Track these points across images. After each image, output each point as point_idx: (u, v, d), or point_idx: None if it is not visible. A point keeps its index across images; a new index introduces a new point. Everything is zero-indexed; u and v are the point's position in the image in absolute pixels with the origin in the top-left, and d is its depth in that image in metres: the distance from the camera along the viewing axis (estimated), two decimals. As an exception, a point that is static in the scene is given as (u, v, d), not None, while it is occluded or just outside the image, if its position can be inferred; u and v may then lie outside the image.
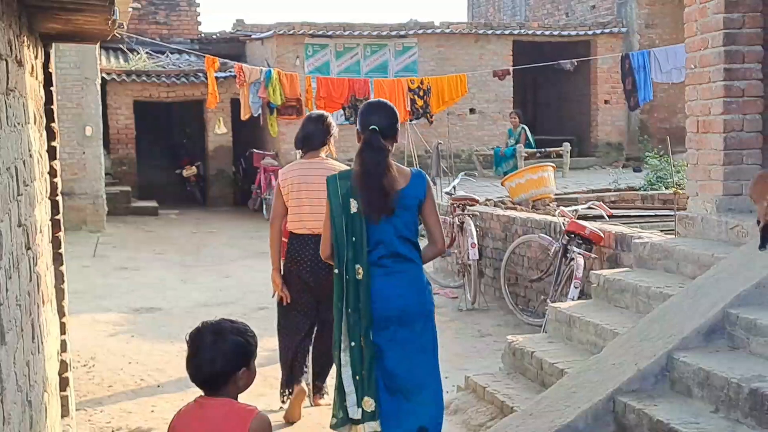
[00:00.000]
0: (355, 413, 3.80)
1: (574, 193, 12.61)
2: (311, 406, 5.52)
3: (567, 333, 5.53)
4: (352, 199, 3.87)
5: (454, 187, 9.75)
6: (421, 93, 13.75)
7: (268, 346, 7.20)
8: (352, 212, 3.87)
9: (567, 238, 7.07)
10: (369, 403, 3.80)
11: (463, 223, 8.82)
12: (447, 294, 9.01)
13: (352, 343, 3.81)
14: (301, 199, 5.24)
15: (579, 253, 6.84)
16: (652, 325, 4.62)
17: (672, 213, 7.94)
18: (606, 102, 18.78)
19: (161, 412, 5.53)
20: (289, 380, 5.35)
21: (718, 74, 5.57)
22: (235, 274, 10.78)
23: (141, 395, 6.05)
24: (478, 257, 8.40)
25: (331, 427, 3.93)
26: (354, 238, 3.83)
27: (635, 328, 4.72)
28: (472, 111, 17.93)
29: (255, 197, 16.66)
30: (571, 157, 16.71)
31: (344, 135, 16.85)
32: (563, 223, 7.26)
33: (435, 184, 7.45)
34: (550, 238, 7.51)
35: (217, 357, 2.53)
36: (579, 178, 15.61)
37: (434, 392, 3.91)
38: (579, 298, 6.55)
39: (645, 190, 12.58)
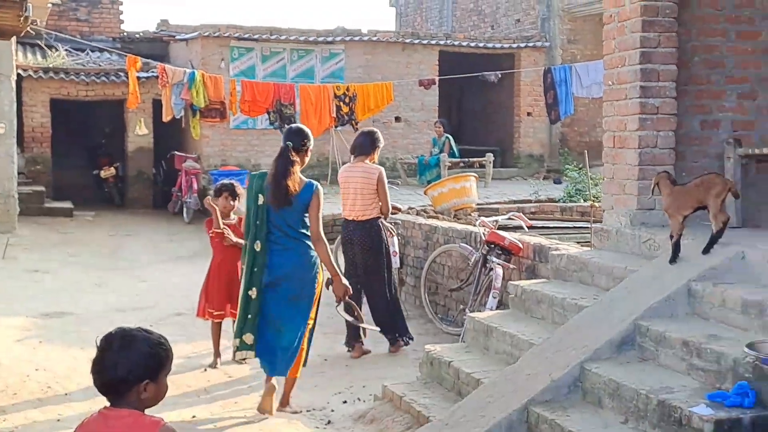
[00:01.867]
0: (234, 342, 5.48)
1: (496, 203, 12.75)
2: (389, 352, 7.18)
3: (484, 343, 5.57)
4: (260, 194, 5.46)
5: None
6: (347, 100, 13.75)
7: (183, 352, 7.08)
8: (259, 203, 5.46)
9: (487, 248, 7.13)
10: (249, 338, 5.42)
11: (384, 231, 8.83)
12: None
13: (245, 293, 5.42)
14: (348, 192, 7.18)
15: (498, 264, 6.91)
16: (566, 336, 4.70)
17: (589, 225, 8.10)
18: (528, 114, 19.09)
19: (67, 421, 5.36)
20: (347, 341, 7.21)
21: (634, 91, 5.71)
22: (151, 279, 10.61)
23: (47, 403, 5.85)
24: (399, 265, 8.43)
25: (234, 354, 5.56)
26: (258, 222, 5.45)
27: (550, 339, 4.78)
28: (397, 119, 18.01)
29: (175, 200, 16.40)
30: (493, 167, 16.91)
31: (269, 140, 16.89)
32: (483, 233, 7.32)
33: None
34: (471, 248, 7.57)
35: (120, 363, 2.46)
36: (501, 189, 15.82)
37: (295, 327, 5.43)
38: (497, 308, 6.61)
39: (564, 201, 12.81)
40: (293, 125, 5.76)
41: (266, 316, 5.42)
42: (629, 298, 4.73)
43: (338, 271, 5.66)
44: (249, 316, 5.41)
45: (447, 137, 16.16)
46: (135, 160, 17.60)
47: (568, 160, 16.63)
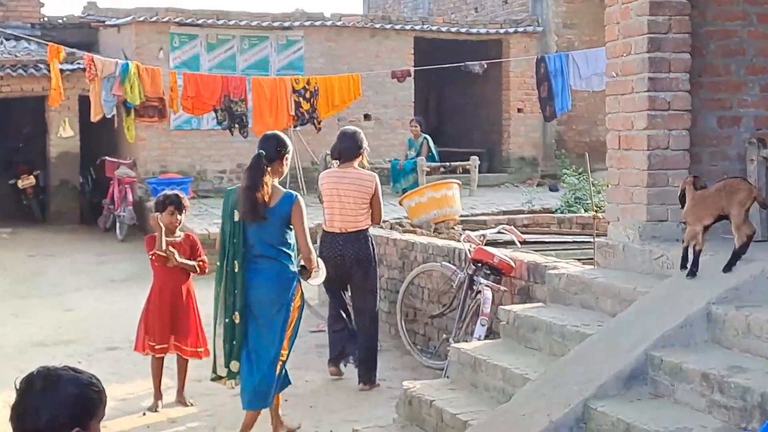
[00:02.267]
0: (222, 372, 5.87)
1: (483, 214, 12.79)
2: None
3: (472, 378, 5.57)
4: (235, 210, 5.79)
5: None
6: (308, 95, 13.75)
7: (118, 394, 7.02)
8: (235, 220, 5.78)
9: (473, 267, 7.14)
10: (236, 366, 5.81)
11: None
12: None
13: (227, 320, 5.77)
14: (333, 202, 7.36)
15: (486, 285, 6.91)
16: (567, 369, 4.70)
17: (591, 240, 8.14)
18: (519, 110, 19.21)
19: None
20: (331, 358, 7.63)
21: (642, 84, 5.75)
22: (79, 307, 10.53)
23: (-44, 458, 5.76)
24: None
25: (211, 380, 6.08)
26: (235, 240, 5.77)
27: (548, 373, 4.79)
28: (366, 117, 18.04)
29: (107, 214, 16.30)
30: (479, 172, 17.00)
31: (216, 142, 16.86)
32: (469, 250, 7.32)
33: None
34: (454, 267, 7.57)
35: (44, 408, 2.43)
36: (488, 198, 15.87)
37: (271, 360, 5.78)
38: (486, 337, 6.60)
39: (562, 212, 12.85)
40: (269, 132, 6.19)
41: (247, 344, 5.81)
42: (639, 324, 4.75)
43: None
44: (234, 342, 5.78)
45: (425, 138, 16.21)
46: (58, 168, 17.46)
47: (566, 164, 16.73)
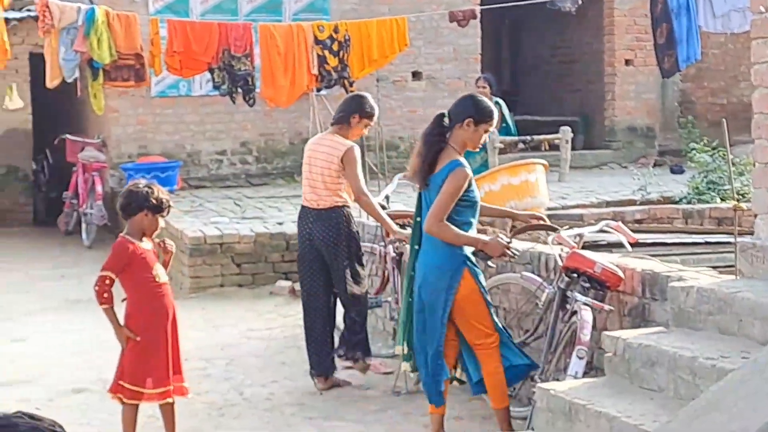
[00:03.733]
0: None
1: (578, 206, 12.75)
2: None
3: (566, 430, 5.54)
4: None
5: (386, 197, 9.75)
6: (336, 47, 13.75)
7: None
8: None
9: (566, 279, 7.11)
10: (403, 350, 7.25)
11: (402, 254, 8.82)
12: (376, 367, 9.01)
13: (409, 299, 7.15)
14: (305, 172, 8.63)
15: (585, 304, 6.87)
16: (700, 420, 4.66)
17: (731, 240, 8.06)
18: (628, 63, 19.09)
19: None
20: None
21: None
22: (34, 337, 10.65)
23: None
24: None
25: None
26: (418, 219, 7.06)
27: (673, 424, 4.75)
28: (416, 75, 18.05)
29: (69, 212, 16.47)
30: (573, 149, 16.92)
31: (213, 113, 16.91)
32: (560, 256, 7.31)
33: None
34: (540, 280, 7.55)
35: None
36: (586, 184, 15.81)
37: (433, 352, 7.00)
38: (585, 374, 6.58)
39: (689, 202, 12.83)
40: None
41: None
42: (801, 356, 4.69)
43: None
44: (406, 323, 7.20)
45: (496, 103, 16.11)
46: (3, 150, 17.68)
47: (694, 136, 16.60)
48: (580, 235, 7.63)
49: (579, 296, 6.96)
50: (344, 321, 8.86)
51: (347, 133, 8.52)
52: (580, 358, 6.70)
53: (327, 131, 8.81)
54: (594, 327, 6.79)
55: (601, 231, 8.10)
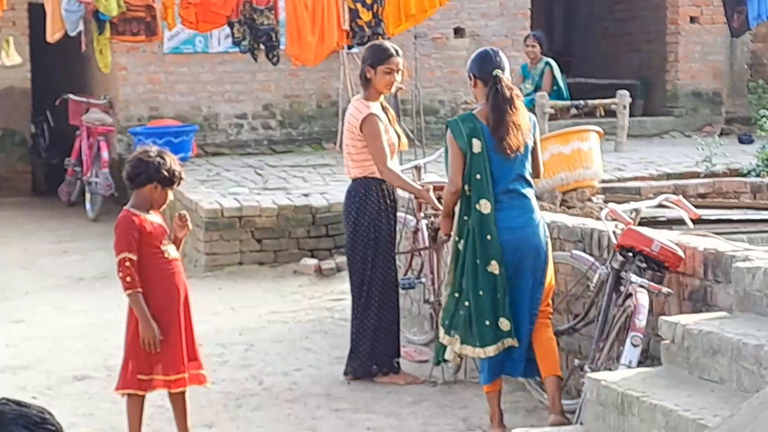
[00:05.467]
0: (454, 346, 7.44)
1: (636, 179, 12.72)
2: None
3: (619, 424, 5.57)
4: (474, 139, 7.25)
5: (424, 166, 9.75)
6: (369, 0, 13.73)
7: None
8: (475, 151, 7.25)
9: (621, 258, 7.12)
10: (506, 324, 7.20)
11: (438, 229, 8.84)
12: (410, 354, 9.05)
13: (487, 269, 7.24)
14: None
15: (641, 286, 6.88)
16: (766, 413, 4.65)
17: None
18: (693, 20, 18.99)
19: None
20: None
21: None
22: (33, 319, 10.72)
23: None
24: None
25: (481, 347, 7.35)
26: (478, 176, 7.24)
27: (736, 419, 4.75)
28: (458, 32, 18.05)
29: (71, 179, 16.53)
30: (631, 115, 16.88)
31: (233, 71, 16.93)
32: (615, 233, 7.31)
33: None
34: (592, 260, 7.58)
35: None
36: (644, 154, 15.76)
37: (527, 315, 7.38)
38: (640, 363, 6.61)
39: (758, 175, 12.88)
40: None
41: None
42: None
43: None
44: (498, 296, 7.22)
45: (547, 64, 16.10)
46: (0, 111, 17.75)
47: (765, 102, 16.51)
48: (637, 210, 7.65)
49: (634, 277, 6.97)
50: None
51: (371, 91, 8.56)
52: (635, 346, 6.71)
53: (359, 94, 8.82)
54: (650, 312, 6.82)
55: (660, 206, 8.11)
